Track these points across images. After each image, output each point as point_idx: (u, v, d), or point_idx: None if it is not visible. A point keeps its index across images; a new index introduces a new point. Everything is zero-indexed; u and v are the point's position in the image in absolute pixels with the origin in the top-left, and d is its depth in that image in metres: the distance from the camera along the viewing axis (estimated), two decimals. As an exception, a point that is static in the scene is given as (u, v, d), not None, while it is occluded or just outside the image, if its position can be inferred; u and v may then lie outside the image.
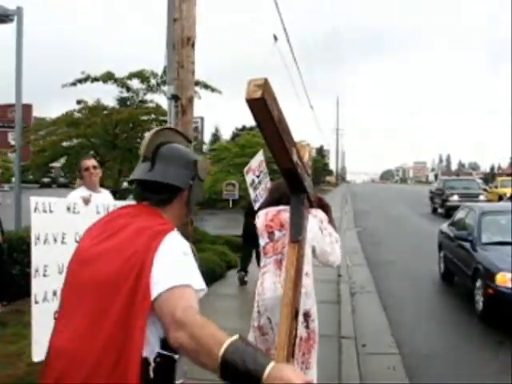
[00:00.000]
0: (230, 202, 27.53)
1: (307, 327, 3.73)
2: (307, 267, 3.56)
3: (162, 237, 1.90)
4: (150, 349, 1.82)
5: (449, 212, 24.23)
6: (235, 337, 1.63)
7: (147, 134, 2.19)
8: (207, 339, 1.63)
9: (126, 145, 13.55)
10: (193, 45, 11.37)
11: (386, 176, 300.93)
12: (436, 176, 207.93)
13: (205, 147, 33.47)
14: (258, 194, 10.81)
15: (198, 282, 1.86)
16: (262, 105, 1.84)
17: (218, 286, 9.66)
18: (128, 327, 1.78)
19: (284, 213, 3.76)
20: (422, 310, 8.64)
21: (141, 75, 13.03)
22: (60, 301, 2.07)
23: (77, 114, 13.69)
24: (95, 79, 12.92)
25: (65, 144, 13.74)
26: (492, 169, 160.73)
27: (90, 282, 1.92)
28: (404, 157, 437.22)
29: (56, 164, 19.57)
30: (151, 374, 1.80)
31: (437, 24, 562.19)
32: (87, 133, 12.90)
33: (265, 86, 1.81)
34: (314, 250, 3.79)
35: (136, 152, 10.53)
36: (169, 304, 1.75)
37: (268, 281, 3.83)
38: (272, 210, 3.99)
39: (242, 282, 9.80)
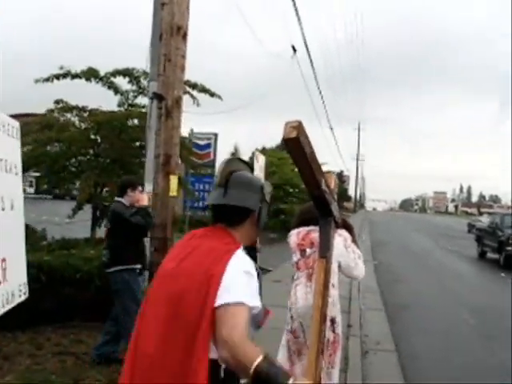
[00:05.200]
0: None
1: (333, 331, 4.20)
2: (334, 280, 4.05)
3: (228, 256, 2.21)
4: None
5: (510, 261, 19.03)
6: (261, 358, 1.97)
7: (220, 164, 2.47)
8: (243, 359, 1.98)
9: (110, 154, 11.63)
10: (184, 35, 9.35)
11: (406, 205, 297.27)
12: (456, 207, 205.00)
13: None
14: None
15: (253, 300, 2.17)
16: (297, 143, 2.20)
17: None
18: (196, 337, 2.10)
19: (314, 232, 4.25)
20: (459, 381, 6.54)
21: (128, 73, 11.12)
22: (142, 310, 2.36)
23: (57, 116, 11.82)
24: (76, 76, 11.06)
25: (40, 151, 11.81)
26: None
27: (169, 295, 2.22)
28: (424, 186, 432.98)
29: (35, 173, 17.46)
30: (222, 374, 2.14)
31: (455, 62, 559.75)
32: (62, 137, 10.99)
33: (299, 127, 2.17)
34: (339, 265, 4.30)
35: (122, 164, 8.44)
36: (221, 320, 2.07)
37: (300, 291, 4.30)
38: (303, 230, 4.49)
39: None
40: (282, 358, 4.31)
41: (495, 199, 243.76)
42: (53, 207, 27.19)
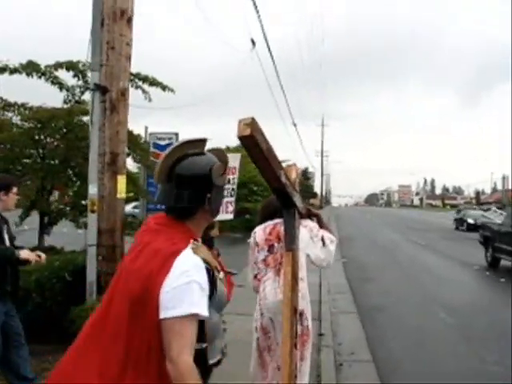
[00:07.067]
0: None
1: (301, 324, 4.07)
2: (302, 273, 3.94)
3: (172, 260, 2.14)
4: None
5: None
6: None
7: (159, 161, 2.36)
8: None
9: (55, 156, 10.69)
10: (129, 20, 8.47)
11: (371, 199, 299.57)
12: (421, 200, 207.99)
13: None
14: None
15: (199, 309, 2.12)
16: (252, 140, 2.21)
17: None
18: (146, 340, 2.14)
19: (280, 225, 4.10)
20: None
21: (72, 66, 10.16)
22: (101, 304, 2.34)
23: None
24: (15, 70, 10.07)
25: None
26: (478, 193, 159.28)
27: (124, 293, 2.20)
28: (389, 180, 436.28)
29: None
30: None
31: (421, 53, 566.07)
32: (1, 137, 10.02)
33: (252, 124, 2.18)
34: (311, 259, 4.30)
35: (70, 165, 7.44)
36: (168, 335, 2.08)
37: (269, 287, 4.22)
38: (269, 224, 4.40)
39: None
40: (253, 356, 4.31)
41: (458, 191, 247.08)
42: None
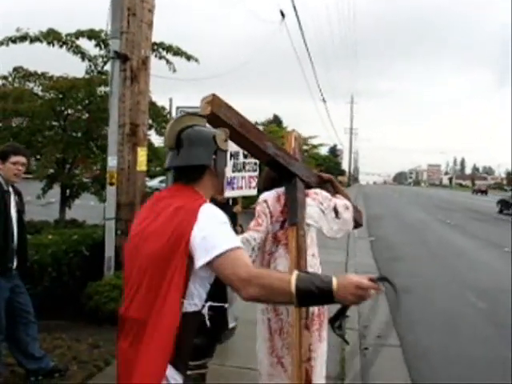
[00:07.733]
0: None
1: None
2: (313, 249, 3.78)
3: (197, 212, 2.17)
4: (200, 302, 2.18)
5: None
6: (296, 272, 2.05)
7: (167, 127, 2.43)
8: (276, 283, 2.01)
9: (77, 127, 10.48)
10: (151, -14, 8.26)
11: (400, 178, 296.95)
12: (450, 180, 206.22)
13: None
14: (236, 179, 7.20)
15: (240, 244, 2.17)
16: (216, 118, 2.18)
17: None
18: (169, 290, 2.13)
19: None
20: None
21: (93, 35, 9.87)
22: (125, 275, 2.39)
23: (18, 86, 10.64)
24: (36, 39, 9.82)
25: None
26: (509, 174, 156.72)
27: (145, 259, 2.22)
28: (418, 159, 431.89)
29: None
30: (208, 324, 2.18)
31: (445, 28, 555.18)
32: (21, 109, 9.82)
33: (213, 101, 2.15)
34: (322, 230, 3.91)
35: (91, 137, 7.11)
36: (228, 266, 2.06)
37: (281, 265, 3.70)
38: (280, 190, 3.81)
39: None
40: (261, 339, 3.89)
41: (488, 171, 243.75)
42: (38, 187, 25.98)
